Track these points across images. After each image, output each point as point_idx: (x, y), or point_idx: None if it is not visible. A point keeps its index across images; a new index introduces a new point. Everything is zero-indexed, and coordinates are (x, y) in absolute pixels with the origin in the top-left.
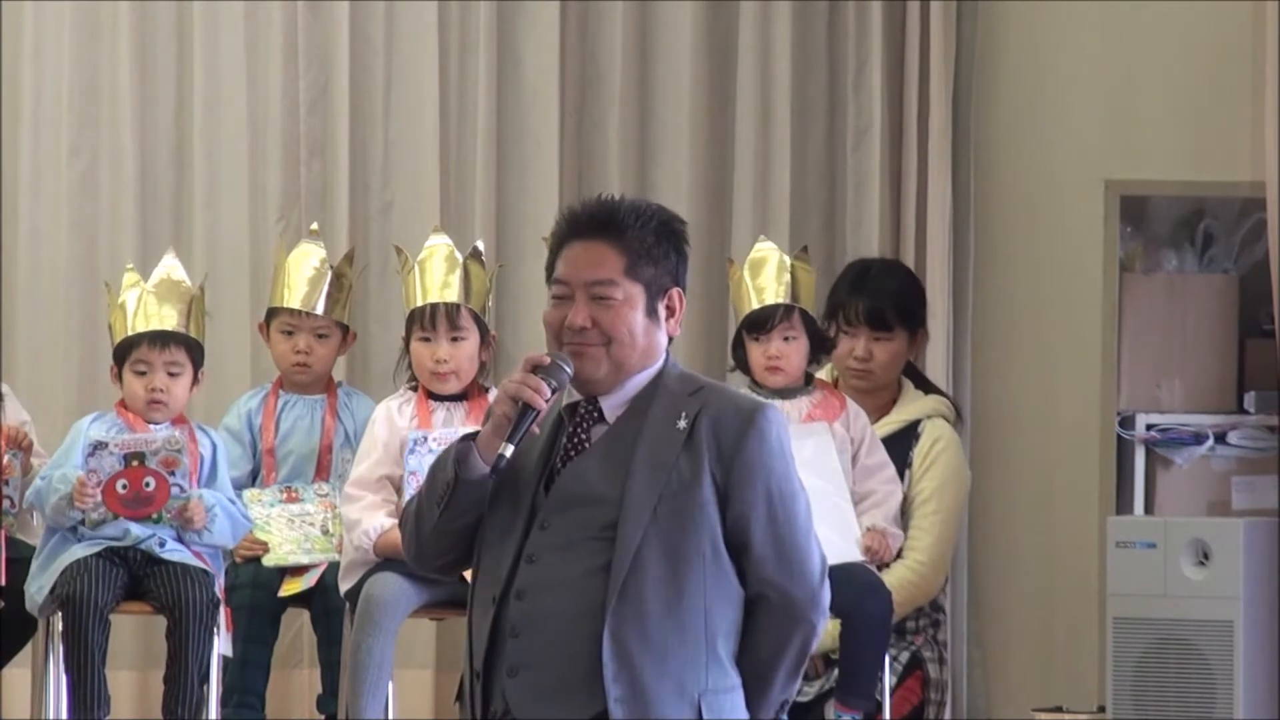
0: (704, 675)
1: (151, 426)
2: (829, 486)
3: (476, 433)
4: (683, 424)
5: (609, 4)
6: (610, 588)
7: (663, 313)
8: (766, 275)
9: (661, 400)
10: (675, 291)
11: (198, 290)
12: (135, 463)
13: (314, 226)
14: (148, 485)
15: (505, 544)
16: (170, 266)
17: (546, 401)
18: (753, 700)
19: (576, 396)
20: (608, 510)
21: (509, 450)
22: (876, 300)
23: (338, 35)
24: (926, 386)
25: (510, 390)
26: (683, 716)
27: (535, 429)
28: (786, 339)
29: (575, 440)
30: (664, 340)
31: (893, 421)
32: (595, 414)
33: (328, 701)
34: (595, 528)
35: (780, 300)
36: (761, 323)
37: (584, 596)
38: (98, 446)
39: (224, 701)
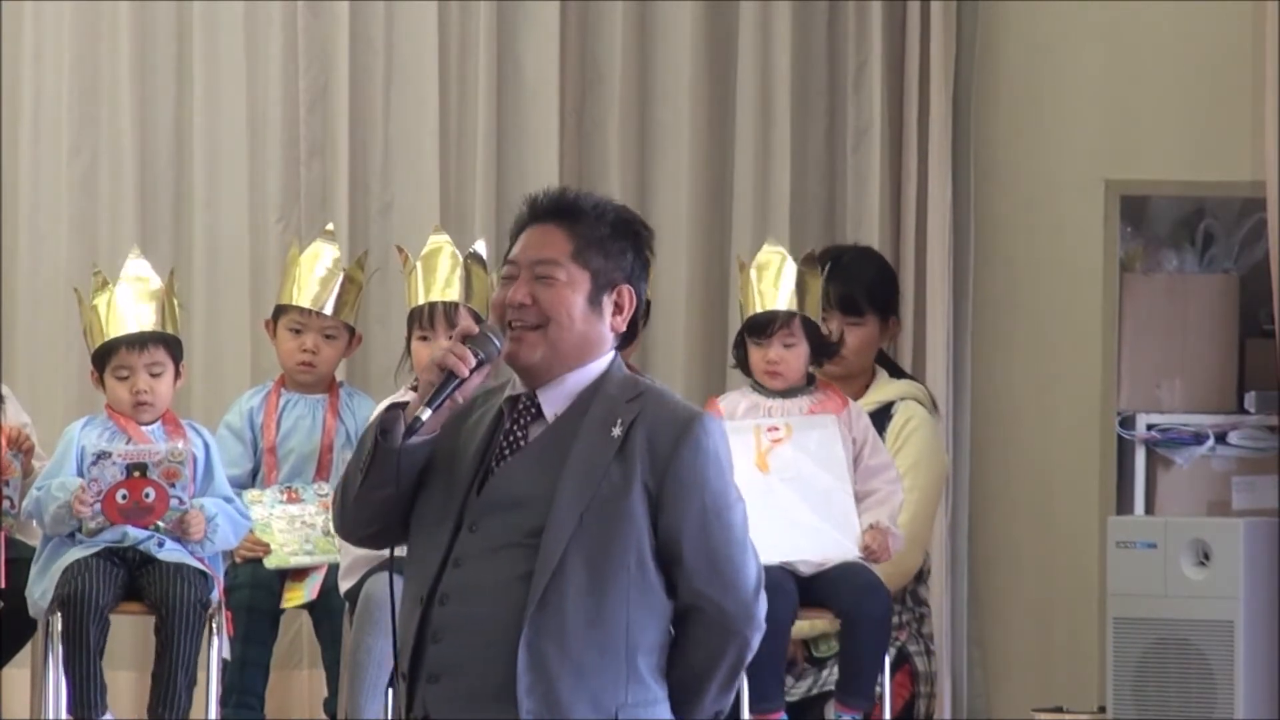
0: (623, 690)
1: (144, 429)
2: (832, 479)
3: (405, 403)
4: (617, 431)
5: (609, 4)
6: (530, 596)
7: (608, 306)
8: (770, 280)
9: (600, 403)
10: (626, 289)
11: (166, 285)
12: (137, 473)
13: (329, 227)
14: (147, 496)
15: (433, 543)
16: (135, 266)
17: (472, 371)
18: (683, 712)
19: (521, 390)
20: (535, 515)
21: (425, 414)
22: (848, 286)
23: (338, 35)
24: (900, 375)
25: (437, 358)
26: None
27: (459, 398)
28: (786, 345)
29: (511, 438)
30: (606, 335)
31: (867, 403)
32: (534, 410)
33: (334, 703)
34: (522, 533)
35: (782, 307)
36: (762, 327)
37: (504, 604)
38: (101, 456)
39: (223, 701)
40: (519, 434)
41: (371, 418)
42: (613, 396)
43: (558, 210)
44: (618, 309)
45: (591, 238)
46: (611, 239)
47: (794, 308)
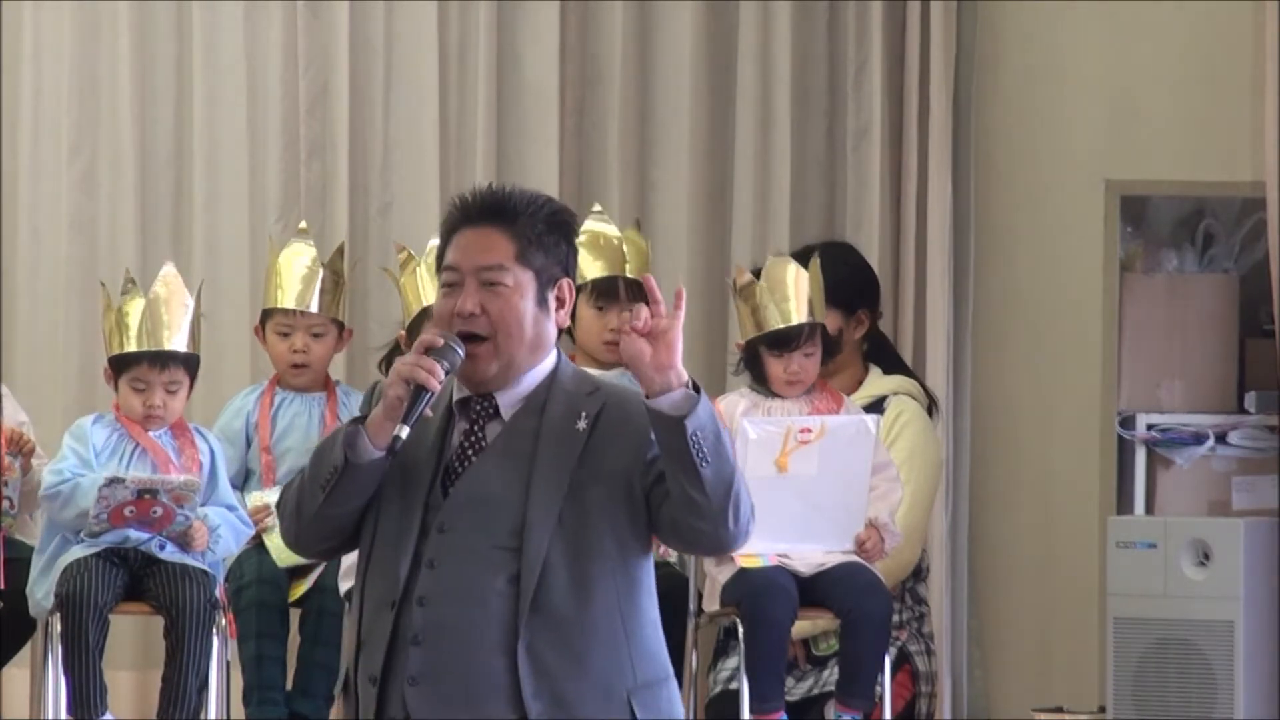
0: (630, 672)
1: (151, 434)
2: (845, 481)
3: (364, 417)
4: (582, 424)
5: (609, 4)
6: (521, 601)
7: (553, 303)
8: (785, 292)
9: (558, 399)
10: (565, 282)
11: (195, 300)
12: (147, 496)
13: (302, 225)
14: (155, 512)
15: (401, 544)
16: (170, 278)
17: (440, 382)
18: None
19: (466, 392)
20: (511, 516)
21: (404, 432)
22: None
23: (338, 36)
24: (896, 370)
25: (404, 373)
26: (613, 718)
27: (429, 412)
28: (807, 355)
29: (472, 438)
30: (553, 332)
31: (859, 399)
32: (491, 410)
33: (295, 698)
34: (501, 535)
35: (804, 320)
36: (786, 342)
37: (492, 608)
38: (114, 481)
39: (245, 700)
40: (478, 434)
41: (324, 438)
42: (570, 391)
43: (493, 211)
44: (560, 304)
45: (530, 237)
46: (548, 234)
47: (807, 318)
